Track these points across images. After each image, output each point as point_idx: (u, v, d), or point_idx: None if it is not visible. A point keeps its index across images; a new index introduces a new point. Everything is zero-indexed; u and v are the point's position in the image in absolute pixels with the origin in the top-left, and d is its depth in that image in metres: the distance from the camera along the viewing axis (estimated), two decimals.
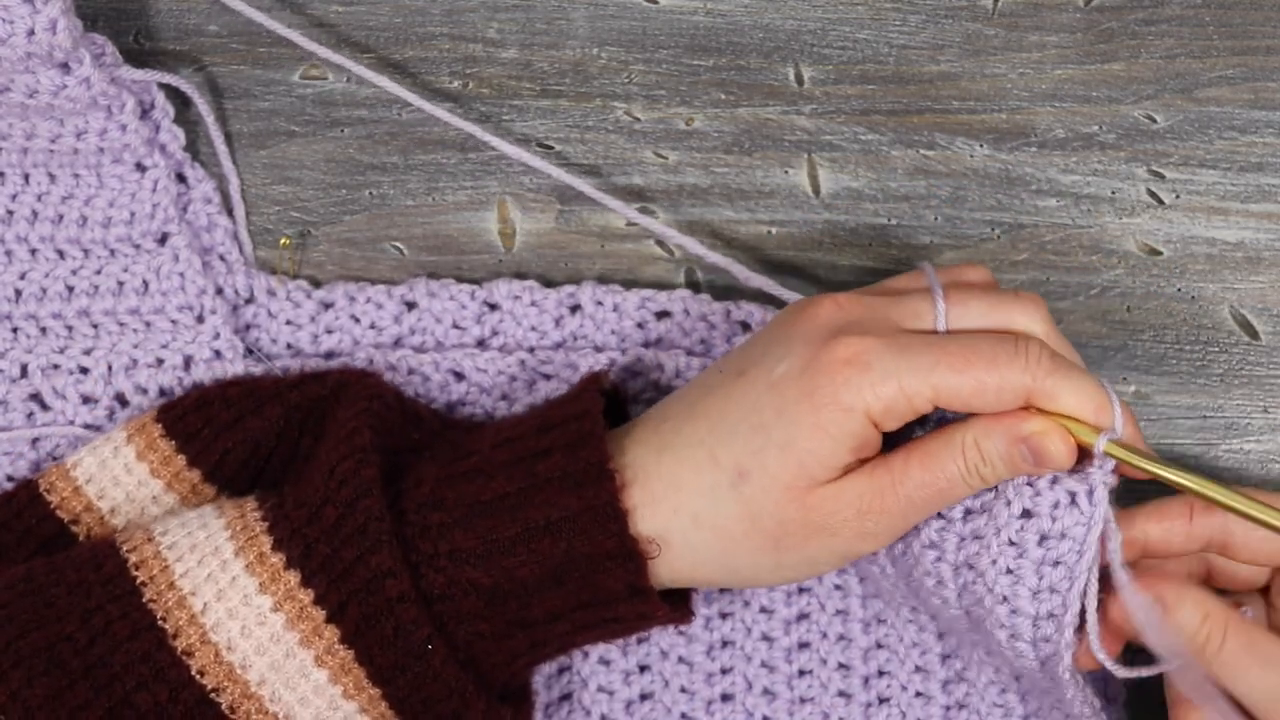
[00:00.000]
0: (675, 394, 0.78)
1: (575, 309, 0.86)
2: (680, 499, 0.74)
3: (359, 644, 0.73)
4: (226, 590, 0.73)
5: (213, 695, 0.72)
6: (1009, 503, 0.74)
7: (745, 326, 0.85)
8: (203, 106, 0.85)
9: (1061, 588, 0.74)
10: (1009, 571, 0.75)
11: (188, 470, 0.80)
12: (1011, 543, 0.74)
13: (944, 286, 0.76)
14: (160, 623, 0.73)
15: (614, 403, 0.82)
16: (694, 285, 0.87)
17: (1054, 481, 0.74)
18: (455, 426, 0.82)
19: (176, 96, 0.86)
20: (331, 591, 0.73)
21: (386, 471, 0.75)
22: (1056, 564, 0.74)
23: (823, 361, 0.73)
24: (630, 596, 0.75)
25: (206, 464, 0.80)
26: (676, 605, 0.78)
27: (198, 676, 0.72)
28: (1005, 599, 0.75)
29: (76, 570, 0.74)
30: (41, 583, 0.74)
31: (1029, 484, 0.75)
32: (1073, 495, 0.74)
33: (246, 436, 0.80)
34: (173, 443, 0.80)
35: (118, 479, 0.80)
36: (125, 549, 0.75)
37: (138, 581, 0.73)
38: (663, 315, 0.86)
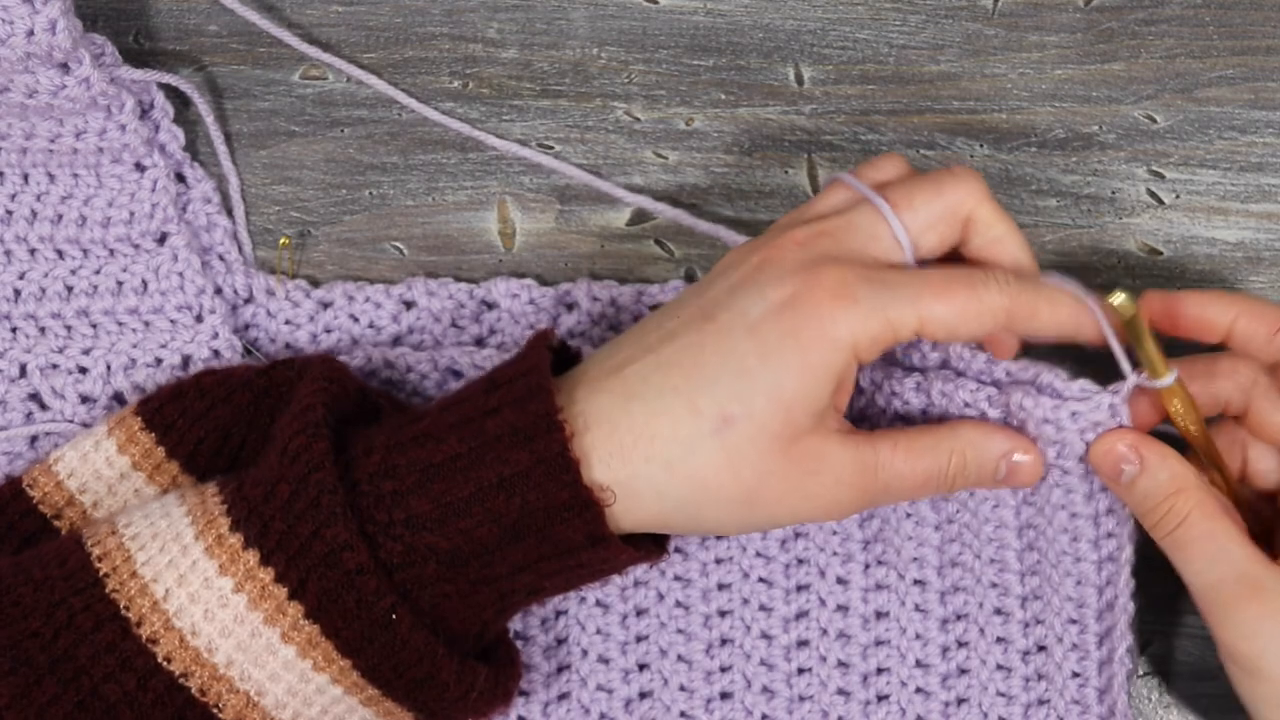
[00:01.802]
0: (624, 338, 0.77)
1: (572, 306, 0.86)
2: (654, 448, 0.73)
3: (323, 619, 0.73)
4: (187, 575, 0.73)
5: (181, 680, 0.72)
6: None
7: None
8: (202, 106, 0.85)
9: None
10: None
11: (167, 462, 0.80)
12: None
13: (879, 191, 0.75)
14: (124, 612, 0.72)
15: (568, 362, 0.81)
16: (692, 281, 0.87)
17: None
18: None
19: (176, 96, 0.86)
20: (291, 568, 0.72)
21: (340, 447, 0.75)
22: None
23: (806, 298, 0.72)
24: (591, 545, 0.74)
25: (183, 454, 0.80)
26: (646, 546, 0.77)
27: (165, 663, 0.72)
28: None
29: (42, 567, 0.74)
30: (8, 582, 0.74)
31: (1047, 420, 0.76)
32: (1095, 422, 0.76)
33: (217, 425, 0.80)
34: (152, 435, 0.80)
35: (100, 473, 0.80)
36: (90, 542, 0.74)
37: (100, 573, 0.73)
38: (654, 308, 0.86)
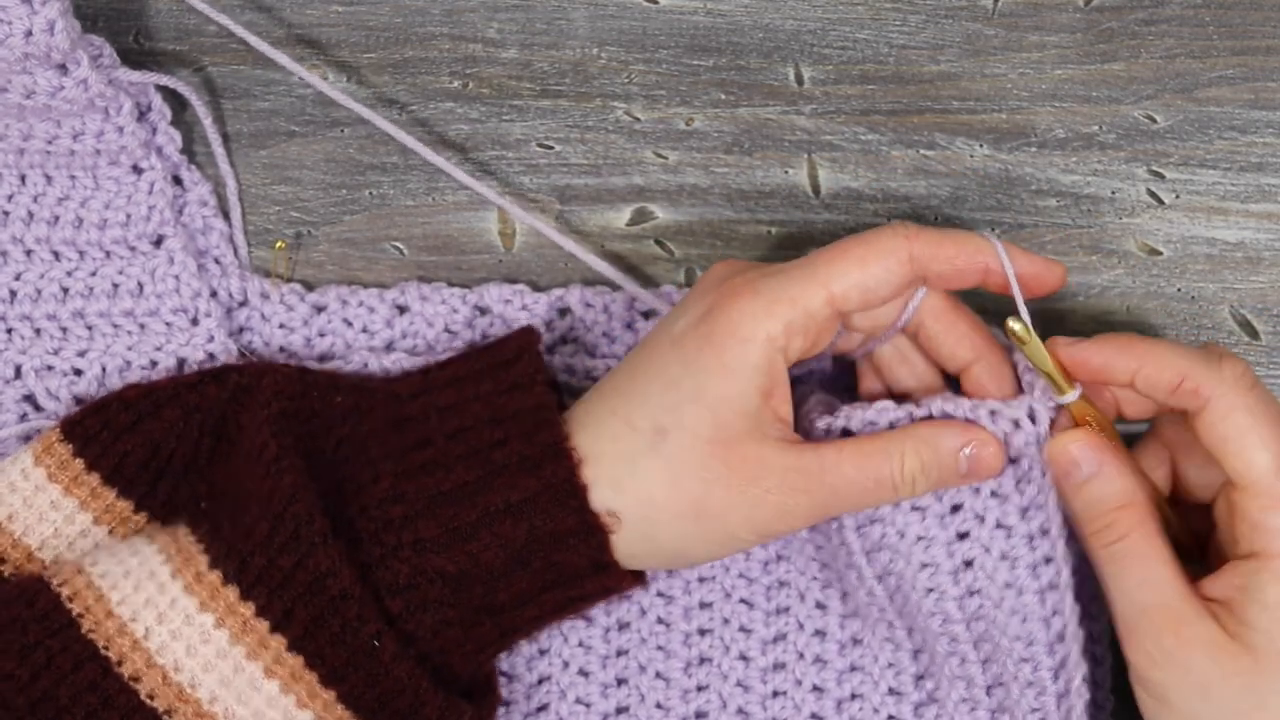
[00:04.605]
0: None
1: (565, 312, 0.86)
2: (601, 469, 0.74)
3: (307, 648, 0.73)
4: (167, 613, 0.73)
5: (165, 718, 0.73)
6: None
7: None
8: (200, 108, 0.85)
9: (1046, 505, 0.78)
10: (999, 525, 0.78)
11: (87, 474, 0.80)
12: (994, 494, 0.78)
13: None
14: (104, 651, 0.73)
15: None
16: (692, 282, 0.87)
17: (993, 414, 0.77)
18: (373, 379, 0.82)
19: (174, 97, 0.85)
20: (274, 601, 0.73)
21: (326, 453, 0.76)
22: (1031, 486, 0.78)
23: (718, 305, 0.74)
24: (595, 572, 0.75)
25: (105, 467, 0.80)
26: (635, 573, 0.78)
27: (148, 700, 0.72)
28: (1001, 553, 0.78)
29: (7, 608, 0.74)
30: None
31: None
32: (1015, 420, 0.76)
33: (145, 439, 0.80)
34: (70, 446, 0.80)
35: (14, 484, 0.80)
36: (56, 583, 0.74)
37: (74, 613, 0.73)
38: (650, 315, 0.86)
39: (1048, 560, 0.78)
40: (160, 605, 0.73)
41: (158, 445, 0.80)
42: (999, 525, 0.78)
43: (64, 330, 0.84)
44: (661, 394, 0.74)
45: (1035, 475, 0.77)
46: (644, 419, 0.74)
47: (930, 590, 0.78)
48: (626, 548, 0.75)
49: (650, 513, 0.74)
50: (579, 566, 0.75)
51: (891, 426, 0.77)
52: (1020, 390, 0.78)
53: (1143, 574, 0.75)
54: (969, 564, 0.78)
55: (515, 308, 0.86)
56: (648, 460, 0.74)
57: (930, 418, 0.76)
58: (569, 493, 0.74)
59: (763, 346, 0.73)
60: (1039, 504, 0.77)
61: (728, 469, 0.74)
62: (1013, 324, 0.75)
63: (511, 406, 0.76)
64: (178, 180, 0.86)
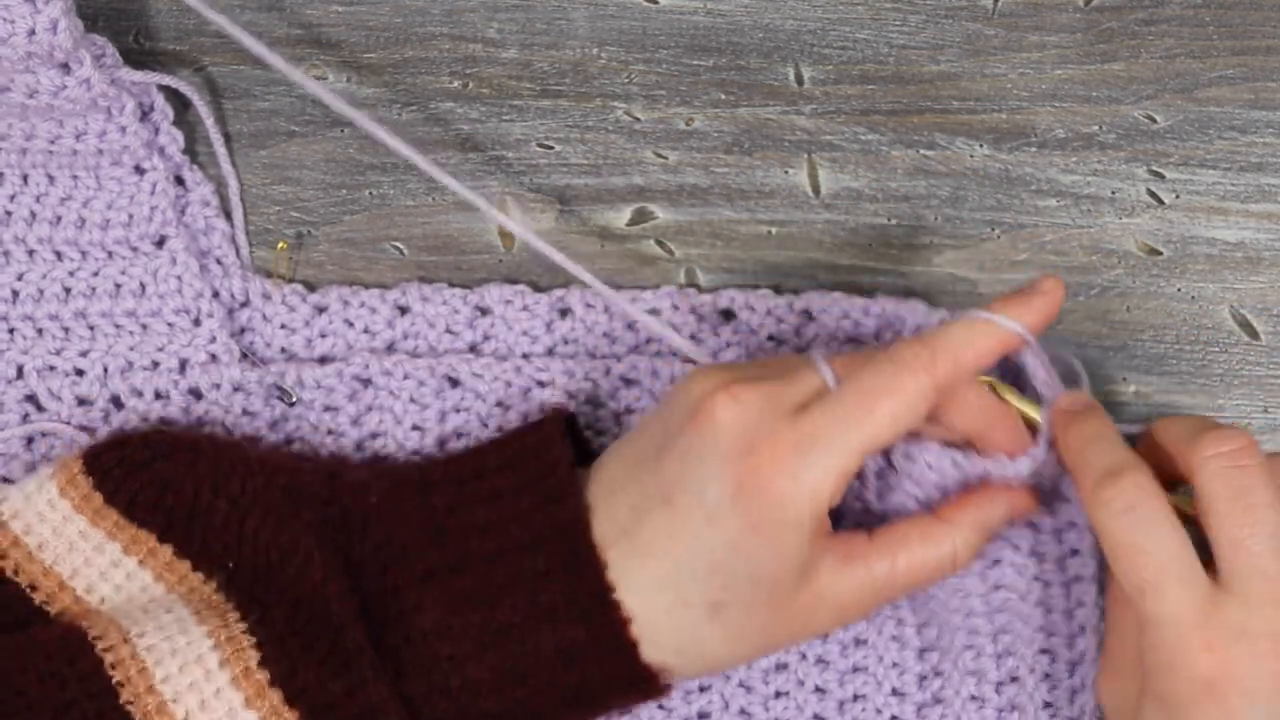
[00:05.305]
0: (606, 486, 0.77)
1: (566, 312, 0.86)
2: (657, 637, 0.75)
3: None
4: (211, 701, 0.73)
5: None
6: None
7: (729, 315, 0.85)
8: (202, 109, 0.85)
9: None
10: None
11: (106, 507, 0.79)
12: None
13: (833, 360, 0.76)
14: None
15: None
16: (695, 287, 0.87)
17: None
18: (399, 471, 0.81)
19: (176, 97, 0.86)
20: (318, 716, 0.73)
21: (363, 557, 0.76)
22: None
23: (752, 489, 0.73)
24: (642, 699, 0.77)
25: (121, 503, 0.79)
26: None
27: None
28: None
29: (47, 659, 0.74)
30: (6, 668, 0.74)
31: None
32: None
33: (155, 478, 0.79)
34: (90, 479, 0.79)
35: (43, 515, 0.79)
36: (100, 647, 0.74)
37: (114, 680, 0.73)
38: (651, 313, 0.86)
39: (1074, 553, 0.79)
40: (205, 692, 0.73)
41: (166, 485, 0.79)
42: (1027, 522, 0.79)
43: (66, 330, 0.85)
44: (711, 573, 0.74)
45: (1064, 476, 0.79)
46: (698, 595, 0.74)
47: (958, 589, 0.79)
48: (677, 679, 0.77)
49: (714, 668, 0.77)
50: (629, 701, 0.77)
51: (930, 467, 0.76)
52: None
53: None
54: (998, 562, 0.79)
55: (516, 308, 0.86)
56: (706, 631, 0.74)
57: (967, 473, 0.77)
58: (620, 647, 0.74)
59: (811, 519, 0.73)
60: (1066, 498, 0.79)
61: (789, 618, 0.75)
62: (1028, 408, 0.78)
63: (545, 523, 0.76)
64: (180, 180, 0.86)
